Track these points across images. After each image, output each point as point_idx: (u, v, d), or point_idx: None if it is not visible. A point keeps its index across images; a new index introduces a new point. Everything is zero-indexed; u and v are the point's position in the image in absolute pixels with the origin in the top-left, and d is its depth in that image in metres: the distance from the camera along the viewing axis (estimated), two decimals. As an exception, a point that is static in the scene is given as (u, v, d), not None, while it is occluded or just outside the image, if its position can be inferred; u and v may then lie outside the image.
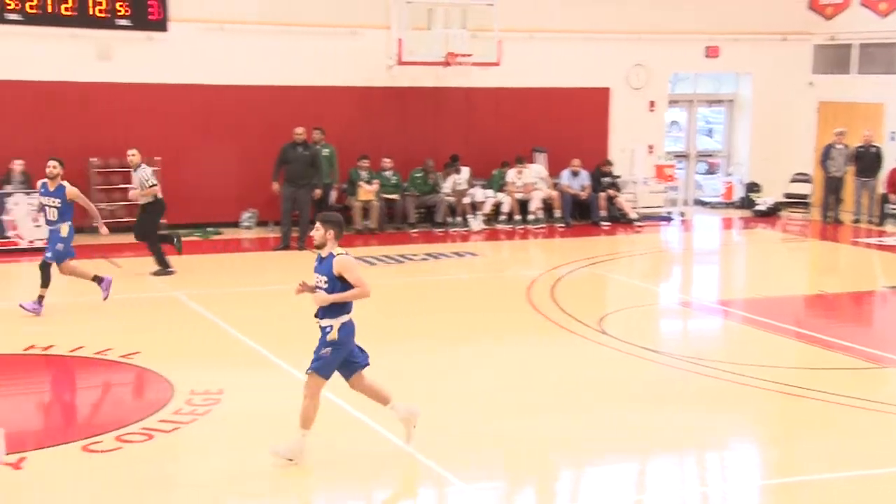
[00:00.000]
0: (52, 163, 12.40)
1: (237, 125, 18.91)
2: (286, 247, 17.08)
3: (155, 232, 14.85)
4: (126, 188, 18.22)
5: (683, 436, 8.39)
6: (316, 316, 7.38)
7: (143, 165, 14.64)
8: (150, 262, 14.68)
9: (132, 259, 15.55)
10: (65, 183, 12.35)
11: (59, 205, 12.23)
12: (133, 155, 14.58)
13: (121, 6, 17.77)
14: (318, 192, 17.50)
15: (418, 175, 19.79)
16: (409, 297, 13.83)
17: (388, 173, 19.43)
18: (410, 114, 19.98)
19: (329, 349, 7.34)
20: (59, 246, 12.20)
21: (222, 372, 9.77)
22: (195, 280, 14.44)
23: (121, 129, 18.10)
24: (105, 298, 12.44)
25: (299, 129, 17.24)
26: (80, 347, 10.45)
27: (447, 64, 18.86)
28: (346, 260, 7.28)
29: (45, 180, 12.44)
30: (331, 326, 7.32)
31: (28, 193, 16.57)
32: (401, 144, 19.79)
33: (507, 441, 8.08)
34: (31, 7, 17.17)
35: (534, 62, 20.31)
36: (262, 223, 19.15)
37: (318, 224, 7.36)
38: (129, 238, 15.25)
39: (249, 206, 19.18)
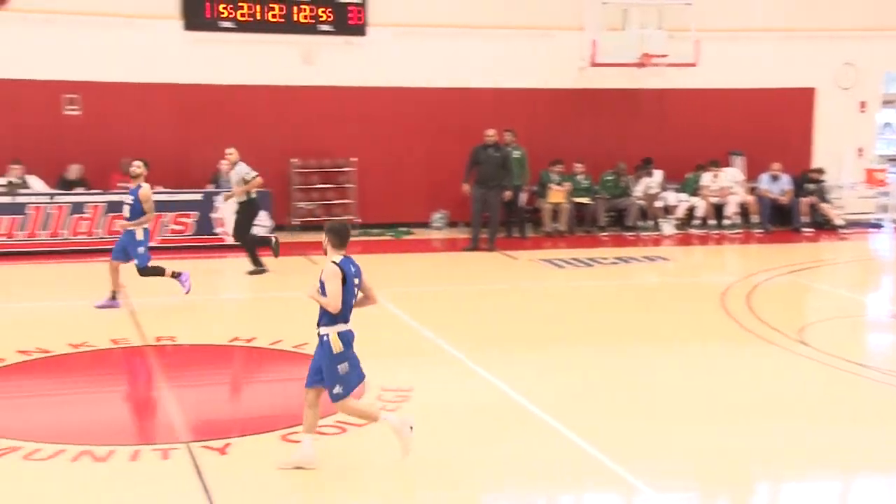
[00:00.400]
0: (136, 163, 12.53)
1: (430, 127, 19.22)
2: (475, 248, 17.22)
3: (248, 232, 14.95)
4: (323, 188, 18.84)
5: (891, 457, 7.89)
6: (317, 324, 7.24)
7: (241, 163, 14.74)
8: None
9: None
10: (143, 184, 12.38)
11: (132, 203, 12.40)
12: (230, 154, 14.82)
13: (324, 12, 18.44)
14: (508, 193, 17.56)
15: (609, 178, 19.54)
16: (598, 300, 13.66)
17: (579, 177, 19.30)
18: (602, 116, 19.76)
19: (344, 364, 7.18)
20: (141, 249, 12.36)
21: (412, 369, 9.92)
22: (386, 279, 14.74)
23: (319, 131, 18.77)
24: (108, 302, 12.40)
25: (490, 131, 17.34)
26: (279, 341, 10.84)
27: (642, 65, 18.56)
28: (326, 269, 7.14)
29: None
30: (328, 335, 7.17)
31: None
32: (592, 146, 19.61)
33: (699, 451, 7.82)
34: (243, 15, 18.06)
35: (732, 62, 19.71)
36: (452, 224, 19.40)
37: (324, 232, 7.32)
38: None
39: (440, 207, 19.46)
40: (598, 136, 19.80)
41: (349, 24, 18.66)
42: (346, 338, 7.20)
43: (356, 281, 7.25)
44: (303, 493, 7.02)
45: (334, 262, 7.16)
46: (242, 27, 18.13)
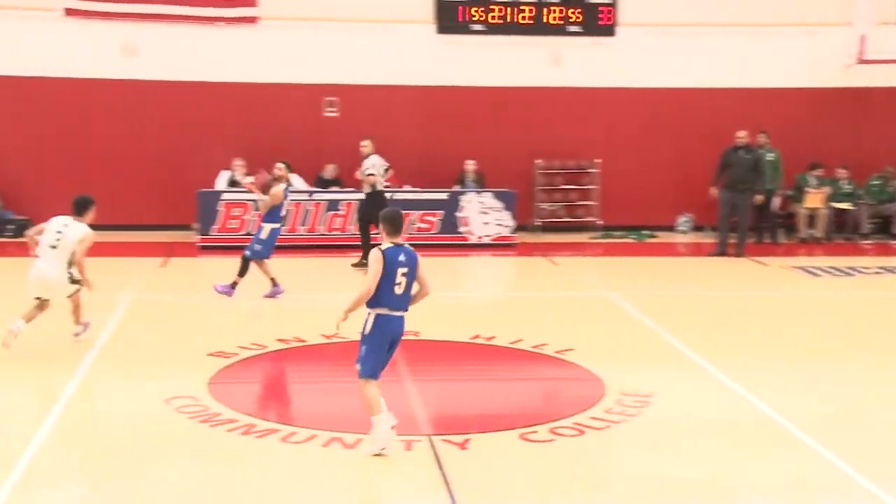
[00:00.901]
0: (279, 165, 12.86)
1: (677, 128, 18.80)
2: (723, 253, 16.67)
3: (369, 224, 14.62)
4: (566, 189, 18.83)
5: None
6: None
7: (374, 155, 14.80)
8: (586, 262, 14.98)
9: (569, 258, 16.00)
10: (282, 185, 12.69)
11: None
12: (365, 146, 14.90)
13: (573, 13, 18.43)
14: (759, 197, 16.89)
15: (876, 182, 18.37)
16: (857, 312, 12.87)
17: (842, 181, 18.28)
18: (869, 116, 18.62)
19: (364, 347, 7.38)
20: (258, 247, 12.64)
21: (653, 374, 9.72)
22: (628, 282, 14.55)
23: (564, 132, 18.77)
24: (266, 296, 12.73)
25: (742, 133, 16.73)
26: (519, 340, 10.92)
27: (916, 62, 17.35)
28: (371, 253, 7.37)
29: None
30: (368, 314, 7.36)
31: (479, 192, 17.70)
32: (855, 149, 18.53)
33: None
34: (493, 18, 18.37)
35: None
36: (698, 228, 18.88)
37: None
38: (568, 237, 15.71)
39: (686, 211, 18.98)
40: (863, 138, 18.68)
41: (598, 24, 18.56)
42: (380, 322, 7.34)
43: (403, 270, 7.32)
44: (539, 493, 7.03)
45: (380, 249, 7.33)
46: (493, 30, 18.43)
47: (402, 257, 7.34)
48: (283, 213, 13.03)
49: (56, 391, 8.85)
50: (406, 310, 7.49)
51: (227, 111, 18.15)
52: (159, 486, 7.00)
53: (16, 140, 17.38)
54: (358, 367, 7.45)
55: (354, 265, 14.88)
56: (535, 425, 8.14)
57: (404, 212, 16.50)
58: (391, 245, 7.36)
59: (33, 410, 8.49)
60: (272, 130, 18.30)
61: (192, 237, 16.92)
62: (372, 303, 7.34)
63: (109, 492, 6.96)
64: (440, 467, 7.30)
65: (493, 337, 11.11)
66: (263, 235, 12.75)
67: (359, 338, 7.52)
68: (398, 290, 7.34)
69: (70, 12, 17.28)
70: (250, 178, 17.27)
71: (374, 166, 14.80)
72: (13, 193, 17.48)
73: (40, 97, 17.47)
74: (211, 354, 10.03)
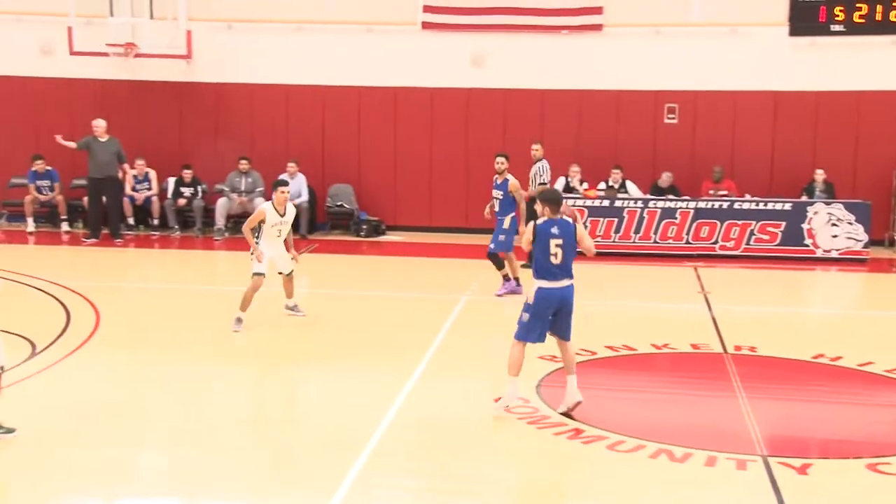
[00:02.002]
0: (499, 158, 13.13)
1: None
2: None
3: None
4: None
5: None
6: None
7: (542, 161, 14.59)
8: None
9: None
10: (509, 177, 12.96)
11: (502, 197, 12.97)
12: (536, 150, 14.76)
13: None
14: None
15: None
16: None
17: None
18: None
19: (526, 314, 8.17)
20: (501, 237, 12.83)
21: None
22: None
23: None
24: (498, 295, 12.95)
25: None
26: (870, 363, 10.10)
27: None
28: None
29: (495, 175, 13.15)
30: (534, 286, 8.15)
31: (828, 203, 16.63)
32: None
33: None
34: (858, 17, 17.16)
35: None
36: None
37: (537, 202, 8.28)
38: None
39: None
40: None
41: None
42: (541, 294, 8.12)
43: (558, 241, 8.08)
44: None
45: (534, 222, 8.24)
46: (854, 29, 17.20)
47: (554, 229, 8.11)
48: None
49: (397, 385, 9.31)
50: (570, 278, 8.19)
51: (566, 118, 18.34)
52: (489, 488, 7.14)
53: (372, 146, 18.59)
54: (517, 329, 8.27)
55: (524, 265, 14.81)
56: (886, 456, 7.45)
57: (743, 222, 16.01)
58: (548, 220, 8.14)
59: (374, 404, 8.96)
60: (608, 137, 18.25)
61: (527, 241, 17.25)
62: (535, 275, 8.15)
63: (442, 489, 7.19)
64: (776, 491, 6.88)
65: (839, 357, 10.35)
66: (506, 226, 13.01)
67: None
68: (554, 261, 8.09)
69: (426, 26, 18.26)
70: (585, 185, 17.38)
71: (545, 173, 14.69)
72: (369, 196, 18.66)
73: (396, 105, 18.56)
74: (541, 357, 10.12)
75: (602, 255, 16.43)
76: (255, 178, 17.96)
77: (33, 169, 17.50)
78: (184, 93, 18.37)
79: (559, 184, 17.50)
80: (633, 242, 16.85)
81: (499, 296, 13.17)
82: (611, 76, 18.17)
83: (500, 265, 13.17)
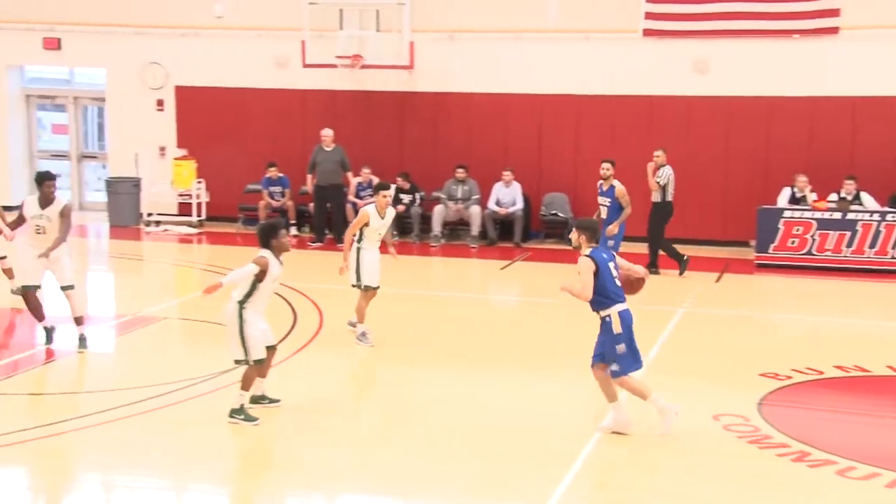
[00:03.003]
0: (605, 164, 13.49)
1: None
2: None
3: (660, 235, 15.07)
4: None
5: None
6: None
7: (666, 166, 14.88)
8: None
9: None
10: (616, 183, 13.30)
11: (609, 203, 13.33)
12: (658, 156, 14.91)
13: None
14: None
15: None
16: None
17: None
18: None
19: (622, 345, 7.91)
20: (610, 243, 12.97)
21: None
22: None
23: None
24: None
25: None
26: None
27: None
28: (580, 262, 8.02)
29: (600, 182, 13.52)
30: (609, 317, 7.95)
31: None
32: None
33: None
34: None
35: None
36: None
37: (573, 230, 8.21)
38: None
39: None
40: None
41: None
42: (625, 318, 7.97)
43: (612, 264, 8.06)
44: None
45: (587, 255, 8.00)
46: None
47: (604, 254, 8.14)
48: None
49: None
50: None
51: (795, 126, 17.52)
52: None
53: (589, 154, 18.41)
54: (614, 367, 7.97)
55: (680, 273, 15.02)
56: None
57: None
58: (593, 249, 8.08)
59: (587, 415, 8.83)
60: (841, 146, 17.29)
61: (749, 254, 16.60)
62: (607, 303, 7.97)
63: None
64: None
65: None
66: (614, 231, 13.38)
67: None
68: (618, 283, 8.06)
69: (647, 33, 17.94)
70: (814, 196, 16.52)
71: (667, 178, 14.97)
72: (585, 205, 18.51)
73: (614, 114, 18.31)
74: (762, 374, 9.70)
75: (831, 271, 15.62)
76: (471, 186, 18.19)
77: (267, 176, 18.45)
78: (405, 102, 18.85)
79: (784, 195, 16.74)
80: (868, 258, 15.87)
81: None
82: (846, 81, 17.20)
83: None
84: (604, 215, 13.56)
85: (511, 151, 18.59)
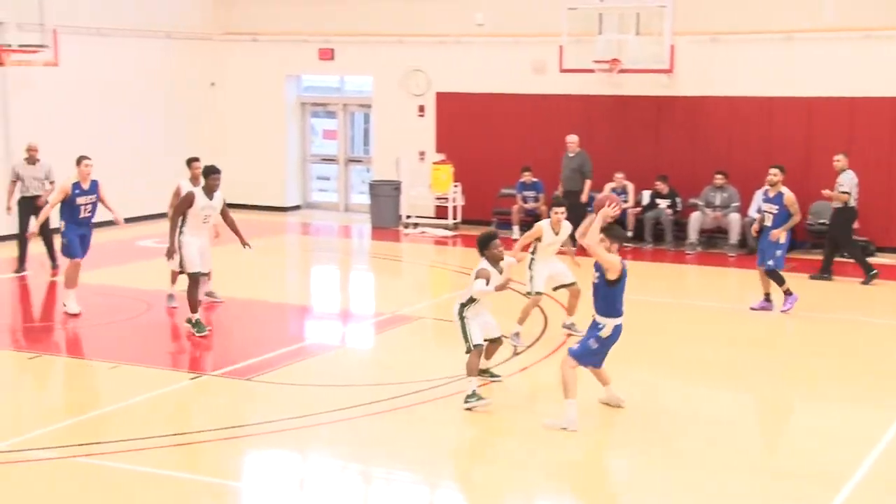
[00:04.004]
0: (773, 170, 12.92)
1: None
2: None
3: (849, 240, 14.99)
4: None
5: None
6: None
7: (848, 171, 14.59)
8: None
9: None
10: (784, 189, 12.79)
11: (777, 211, 12.74)
12: (838, 160, 14.70)
13: None
14: None
15: None
16: None
17: None
18: None
19: (596, 346, 8.48)
20: (778, 252, 12.68)
21: None
22: None
23: None
24: (784, 310, 12.67)
25: None
26: None
27: None
28: (612, 261, 8.37)
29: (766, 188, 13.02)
30: (604, 325, 8.44)
31: None
32: None
33: None
34: None
35: None
36: None
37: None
38: None
39: None
40: None
41: None
42: (617, 331, 8.51)
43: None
44: None
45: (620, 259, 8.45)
46: None
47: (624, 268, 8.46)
48: None
49: (886, 417, 8.55)
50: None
51: None
52: None
53: (864, 160, 17.33)
54: (575, 347, 8.59)
55: (813, 277, 14.82)
56: None
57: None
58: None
59: (859, 435, 8.32)
60: None
61: None
62: (611, 313, 8.42)
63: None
64: None
65: None
66: (782, 240, 12.81)
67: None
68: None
69: None
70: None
71: (847, 183, 14.66)
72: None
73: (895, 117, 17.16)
74: None
75: None
76: (730, 193, 17.56)
77: (521, 180, 18.62)
78: (663, 106, 18.47)
79: None
80: None
81: (784, 311, 12.66)
82: None
83: (780, 281, 12.84)
84: (768, 222, 12.97)
85: (775, 158, 17.74)
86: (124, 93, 19.40)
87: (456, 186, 19.54)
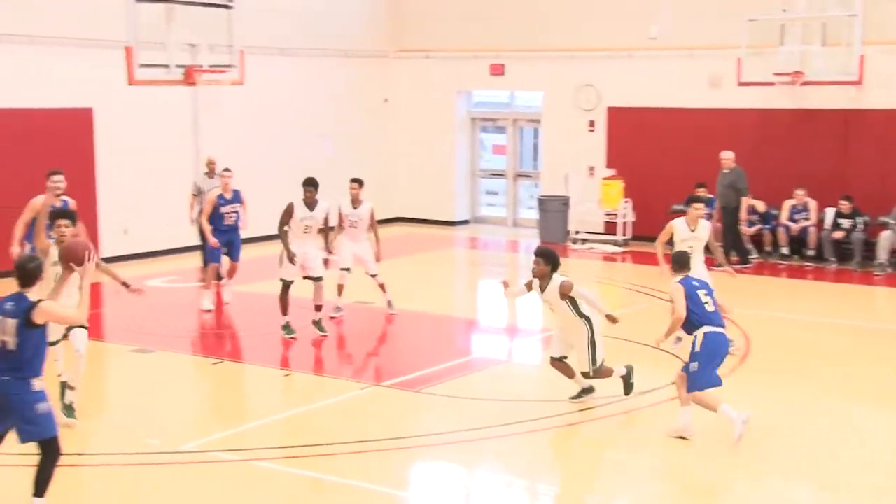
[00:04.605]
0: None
1: None
2: None
3: None
4: None
5: None
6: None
7: None
8: None
9: None
10: None
11: None
12: None
13: None
14: None
15: None
16: None
17: None
18: None
19: (695, 363, 8.40)
20: None
21: None
22: None
23: None
24: None
25: None
26: None
27: None
28: (671, 285, 8.74)
29: None
30: (696, 335, 8.48)
31: None
32: None
33: None
34: None
35: None
36: None
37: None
38: None
39: None
40: None
41: None
42: (710, 339, 8.39)
43: (703, 291, 8.59)
44: None
45: (676, 282, 8.60)
46: None
47: (694, 282, 8.70)
48: None
49: None
50: (723, 326, 8.56)
51: None
52: None
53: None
54: (690, 384, 8.40)
55: None
56: None
57: None
58: (684, 277, 8.69)
59: None
60: None
61: None
62: (693, 326, 8.47)
63: None
64: None
65: None
66: None
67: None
68: (709, 308, 8.51)
69: None
70: None
71: None
72: None
73: None
74: None
75: None
76: (924, 211, 16.54)
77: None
78: (850, 120, 17.59)
79: None
80: None
81: None
82: None
83: None
84: None
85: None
86: (303, 109, 20.00)
87: (626, 202, 19.19)
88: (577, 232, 19.64)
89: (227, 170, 13.58)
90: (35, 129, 15.60)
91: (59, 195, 10.46)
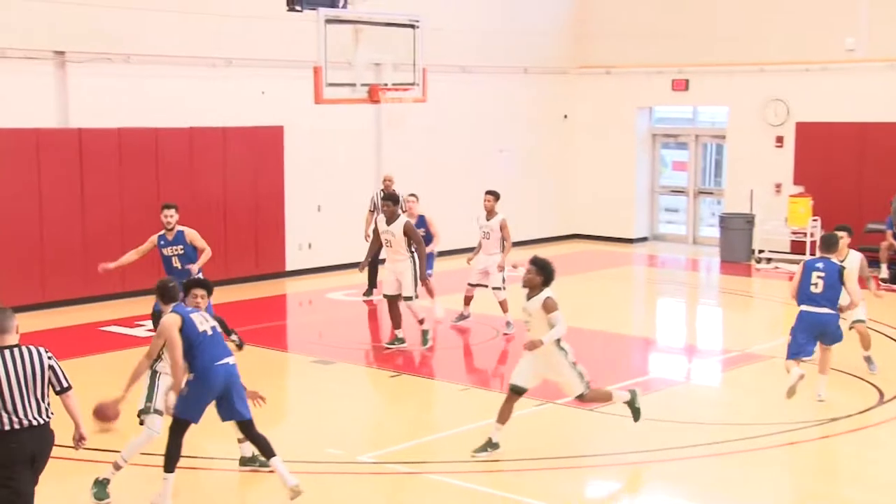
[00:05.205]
0: None
1: None
2: None
3: None
4: None
5: None
6: None
7: None
8: None
9: None
10: None
11: None
12: None
13: None
14: None
15: None
16: None
17: None
18: None
19: (790, 336, 9.73)
20: None
21: None
22: None
23: None
24: None
25: None
26: None
27: None
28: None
29: None
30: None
31: None
32: None
33: None
34: None
35: None
36: None
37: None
38: None
39: None
40: None
41: None
42: (803, 317, 9.66)
43: (819, 274, 9.65)
44: None
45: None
46: None
47: (819, 264, 9.60)
48: None
49: None
50: (827, 307, 9.46)
51: None
52: None
53: None
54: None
55: None
56: None
57: None
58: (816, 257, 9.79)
59: None
60: None
61: None
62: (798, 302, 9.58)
63: None
64: None
65: None
66: None
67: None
68: (814, 290, 9.47)
69: None
70: None
71: None
72: None
73: None
74: None
75: None
76: None
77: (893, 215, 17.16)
78: None
79: None
80: None
81: None
82: None
83: None
84: None
85: None
86: (482, 126, 20.17)
87: (815, 220, 18.40)
88: (762, 251, 18.98)
89: (412, 195, 13.78)
90: (232, 146, 16.36)
91: (170, 229, 10.88)
